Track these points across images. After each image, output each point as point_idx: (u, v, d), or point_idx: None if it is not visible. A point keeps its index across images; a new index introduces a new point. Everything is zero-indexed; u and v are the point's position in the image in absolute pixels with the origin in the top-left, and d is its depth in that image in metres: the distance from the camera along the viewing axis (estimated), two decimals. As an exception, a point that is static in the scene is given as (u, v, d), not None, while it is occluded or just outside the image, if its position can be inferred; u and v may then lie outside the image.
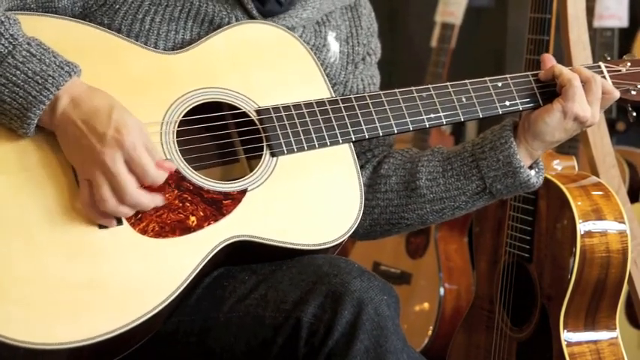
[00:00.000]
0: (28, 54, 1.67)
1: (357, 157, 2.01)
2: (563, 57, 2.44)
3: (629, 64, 2.02)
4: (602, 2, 3.57)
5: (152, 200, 1.69)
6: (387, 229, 2.04)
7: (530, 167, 1.98)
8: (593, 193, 2.36)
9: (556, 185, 2.35)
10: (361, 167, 2.04)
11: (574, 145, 3.28)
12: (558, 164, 2.46)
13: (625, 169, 3.44)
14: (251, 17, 1.91)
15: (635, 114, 2.03)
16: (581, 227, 2.31)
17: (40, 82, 1.66)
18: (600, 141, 2.50)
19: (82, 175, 1.68)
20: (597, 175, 2.48)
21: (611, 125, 3.54)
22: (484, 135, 1.98)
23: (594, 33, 3.54)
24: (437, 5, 3.94)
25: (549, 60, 1.98)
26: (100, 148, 1.64)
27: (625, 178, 3.40)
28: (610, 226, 2.34)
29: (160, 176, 1.68)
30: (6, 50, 1.66)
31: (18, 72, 1.66)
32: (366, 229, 2.05)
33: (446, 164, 1.98)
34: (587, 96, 1.92)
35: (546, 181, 2.37)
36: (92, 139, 1.65)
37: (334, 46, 2.01)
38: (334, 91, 1.94)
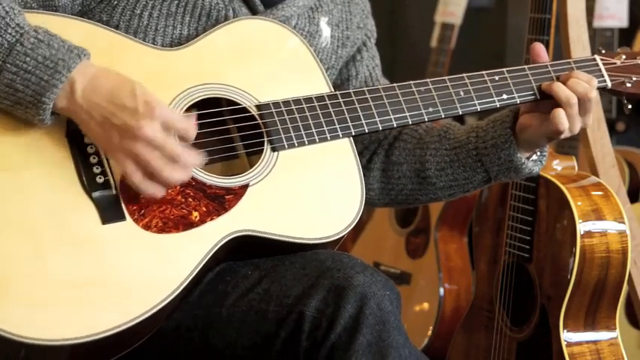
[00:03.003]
0: (36, 40, 1.67)
1: (368, 144, 2.07)
2: (563, 57, 2.44)
3: (624, 56, 2.03)
4: (602, 2, 3.56)
5: (199, 157, 1.70)
6: (403, 205, 2.11)
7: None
8: (593, 193, 2.36)
9: (556, 185, 2.36)
10: (374, 152, 2.08)
11: (574, 145, 3.28)
12: (558, 164, 2.46)
13: (625, 169, 3.44)
14: (250, 7, 1.92)
15: (630, 106, 2.03)
16: (581, 227, 2.31)
17: (51, 66, 1.65)
18: (600, 141, 2.50)
19: (118, 153, 1.67)
20: (597, 175, 2.47)
21: (611, 125, 3.53)
22: (486, 127, 2.00)
23: (594, 33, 3.54)
24: (437, 5, 3.94)
25: (539, 53, 1.98)
26: (136, 123, 1.64)
27: (625, 178, 3.40)
28: (610, 226, 2.34)
29: (194, 128, 1.69)
30: (14, 39, 1.66)
31: (28, 58, 1.66)
32: (384, 205, 2.11)
33: (452, 154, 2.01)
34: (580, 111, 1.91)
35: (546, 181, 2.38)
36: (125, 117, 1.65)
37: (326, 31, 2.02)
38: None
